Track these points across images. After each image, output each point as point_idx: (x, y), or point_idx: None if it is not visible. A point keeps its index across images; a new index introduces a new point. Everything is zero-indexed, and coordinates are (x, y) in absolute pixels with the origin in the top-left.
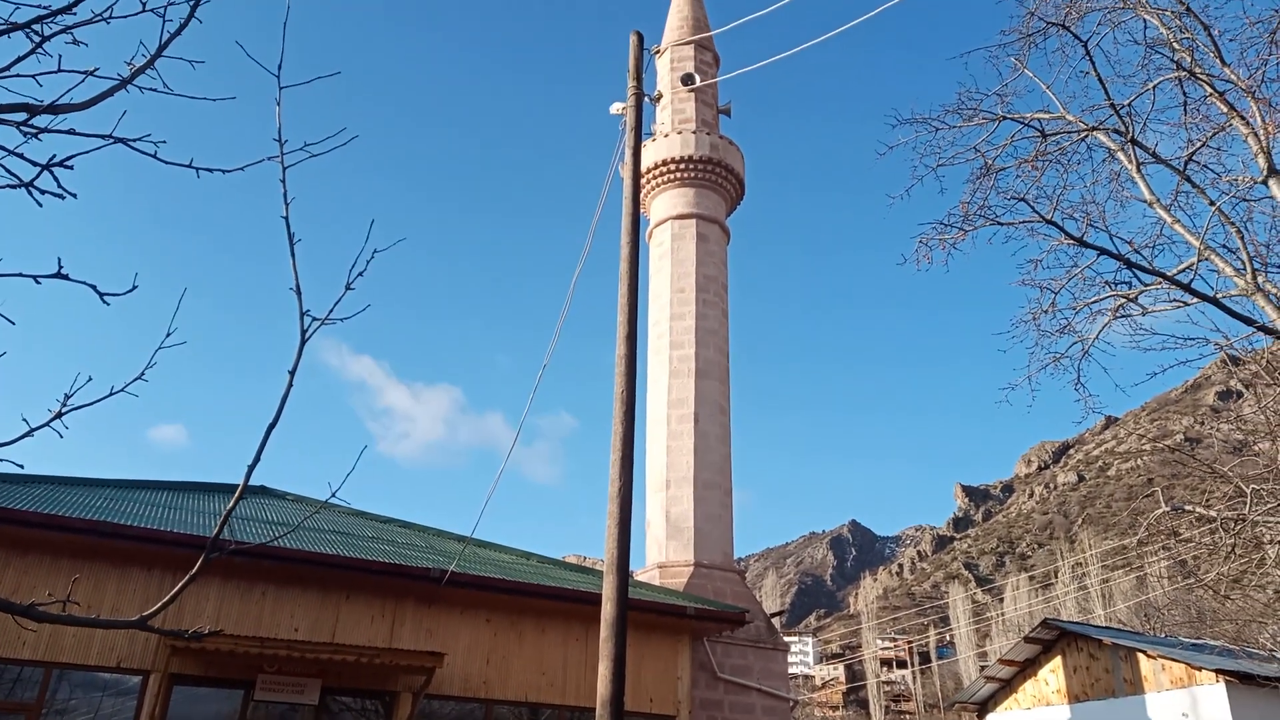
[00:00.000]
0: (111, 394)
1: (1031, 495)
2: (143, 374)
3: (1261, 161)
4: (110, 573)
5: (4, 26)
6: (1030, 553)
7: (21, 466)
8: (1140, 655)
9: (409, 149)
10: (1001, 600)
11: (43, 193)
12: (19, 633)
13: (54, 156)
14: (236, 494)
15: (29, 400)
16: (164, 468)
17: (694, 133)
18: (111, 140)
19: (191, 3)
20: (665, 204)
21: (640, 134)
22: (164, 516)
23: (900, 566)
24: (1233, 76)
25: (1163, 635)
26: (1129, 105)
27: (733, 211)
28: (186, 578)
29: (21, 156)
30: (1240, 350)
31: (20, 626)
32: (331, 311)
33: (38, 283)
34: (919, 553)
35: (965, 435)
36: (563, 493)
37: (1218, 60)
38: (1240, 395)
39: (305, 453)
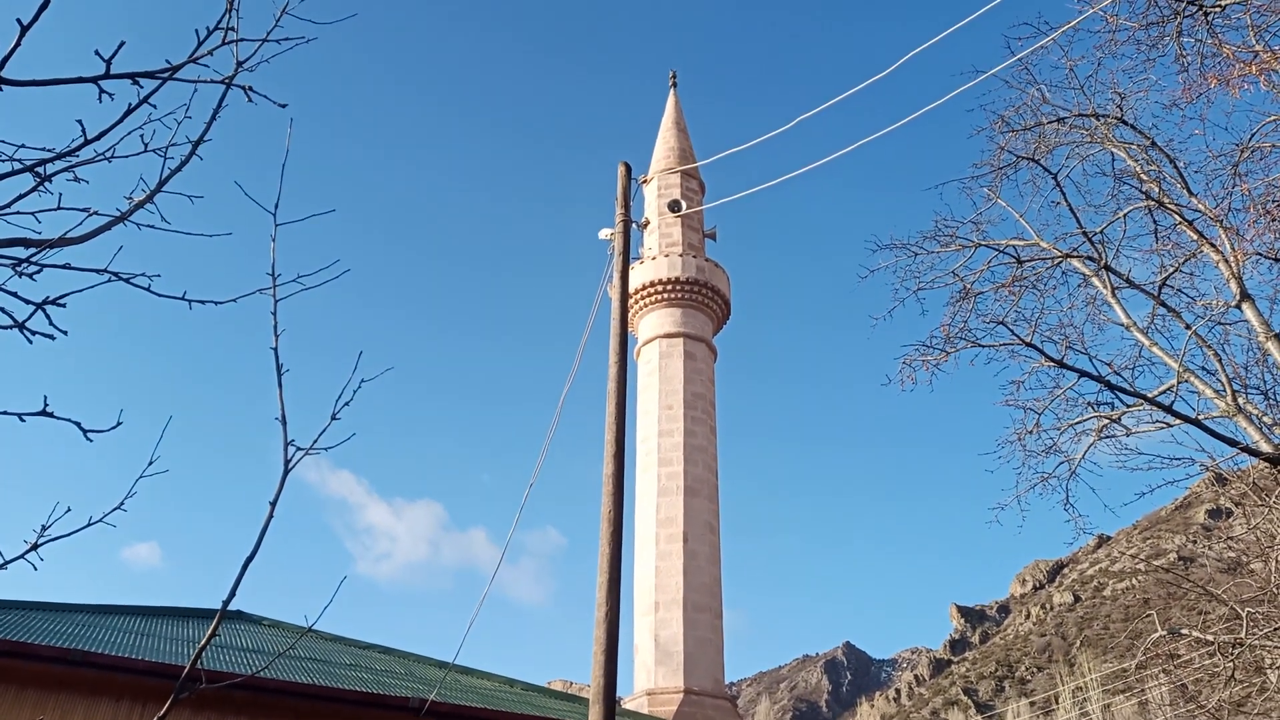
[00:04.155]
0: (90, 524)
1: (1028, 616)
2: (122, 504)
3: (1234, 286)
4: (78, 703)
5: (13, 168)
6: (1030, 676)
7: None
8: None
9: (394, 272)
10: None
11: (34, 333)
12: None
13: (48, 296)
14: (211, 628)
15: (3, 525)
16: (136, 587)
17: (680, 255)
18: (109, 277)
19: (192, 142)
20: (653, 323)
21: (628, 258)
22: (135, 644)
23: (898, 692)
24: (1200, 206)
25: None
26: (1101, 233)
27: (719, 331)
28: None
29: (15, 295)
30: (1226, 470)
31: None
32: (316, 441)
33: (22, 420)
34: (916, 677)
35: (958, 553)
36: (549, 613)
37: (1185, 190)
38: (1230, 513)
39: (280, 572)
